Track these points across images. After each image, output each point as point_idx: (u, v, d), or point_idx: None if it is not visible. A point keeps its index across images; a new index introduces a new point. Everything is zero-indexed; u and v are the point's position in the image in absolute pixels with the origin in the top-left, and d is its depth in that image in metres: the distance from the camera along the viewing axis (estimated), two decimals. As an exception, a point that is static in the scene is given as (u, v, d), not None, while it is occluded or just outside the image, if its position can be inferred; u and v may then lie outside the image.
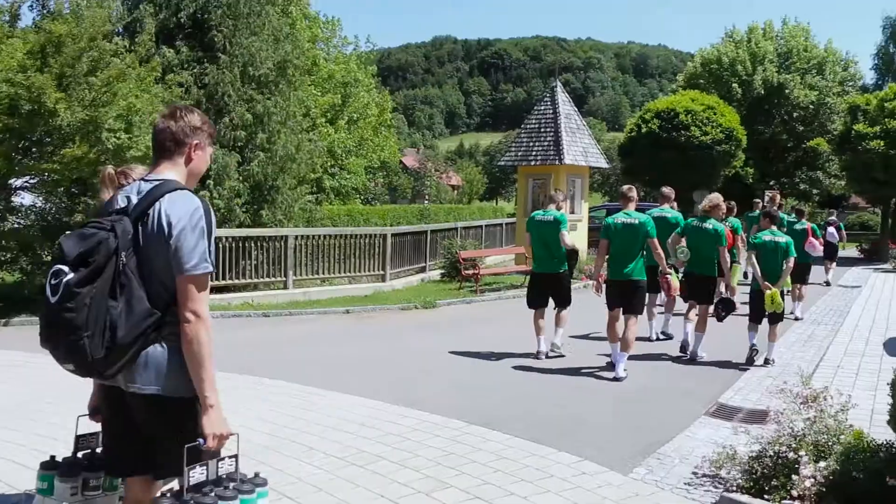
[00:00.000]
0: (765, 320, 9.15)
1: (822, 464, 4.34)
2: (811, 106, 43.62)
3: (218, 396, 2.81)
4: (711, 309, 9.39)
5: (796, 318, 12.42)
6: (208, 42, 14.63)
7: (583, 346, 10.11)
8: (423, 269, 17.45)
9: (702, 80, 45.66)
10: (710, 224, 9.38)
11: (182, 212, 2.78)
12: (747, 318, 9.37)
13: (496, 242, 22.49)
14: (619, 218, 8.58)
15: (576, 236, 19.27)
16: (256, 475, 3.01)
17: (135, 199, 2.85)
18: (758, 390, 7.80)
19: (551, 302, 9.45)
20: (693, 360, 9.33)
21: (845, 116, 28.30)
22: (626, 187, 9.14)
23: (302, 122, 17.65)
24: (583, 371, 8.73)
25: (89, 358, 2.66)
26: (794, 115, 43.94)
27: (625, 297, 8.52)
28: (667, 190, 11.07)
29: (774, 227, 9.45)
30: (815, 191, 42.93)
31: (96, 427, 3.22)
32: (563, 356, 9.38)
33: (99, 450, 3.28)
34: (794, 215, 14.13)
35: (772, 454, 4.61)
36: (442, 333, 11.27)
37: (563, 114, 18.42)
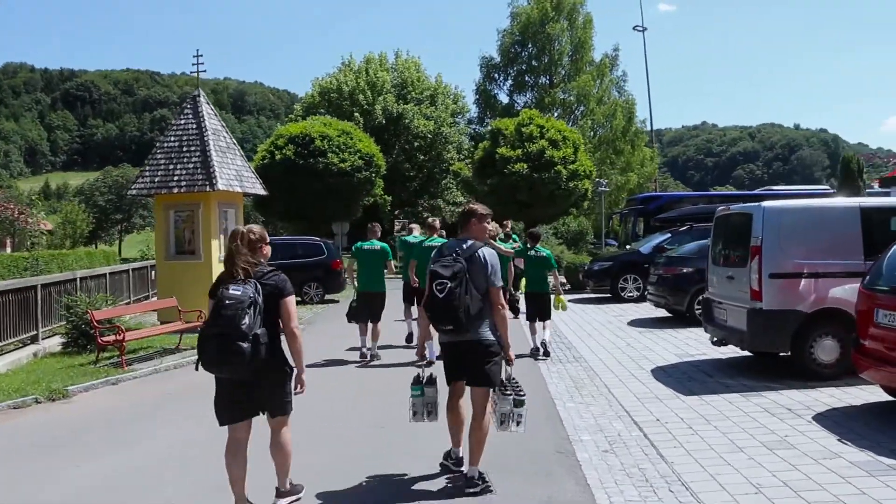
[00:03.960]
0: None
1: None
2: (429, 136, 44.99)
3: None
4: None
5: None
6: None
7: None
8: (34, 340, 12.54)
9: (321, 109, 44.44)
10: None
11: None
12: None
13: (123, 293, 17.95)
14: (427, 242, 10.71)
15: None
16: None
17: None
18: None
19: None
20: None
21: (488, 140, 28.50)
22: (431, 219, 11.96)
23: None
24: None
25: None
26: (415, 144, 44.93)
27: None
28: (433, 220, 11.67)
29: (538, 245, 11.44)
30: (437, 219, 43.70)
31: None
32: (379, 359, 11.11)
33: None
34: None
35: None
36: (101, 456, 7.14)
37: (211, 129, 14.89)
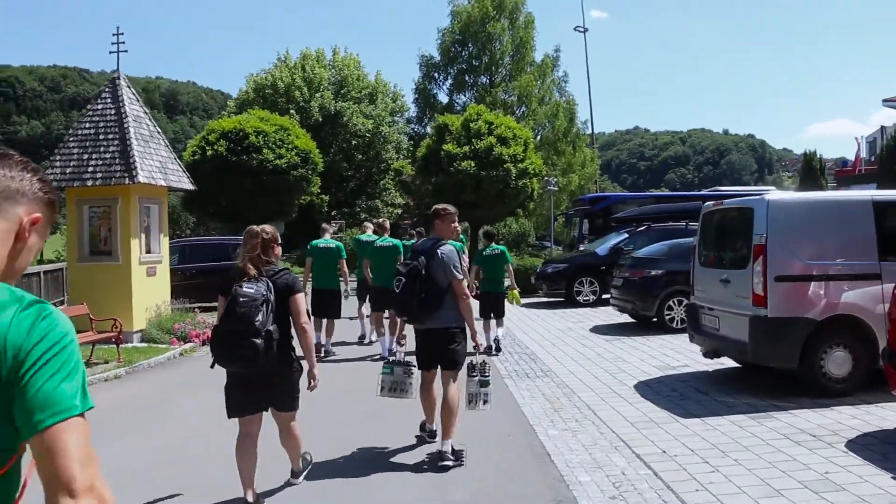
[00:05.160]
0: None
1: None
2: (368, 134, 43.43)
3: None
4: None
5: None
6: None
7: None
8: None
9: (256, 106, 42.48)
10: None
11: None
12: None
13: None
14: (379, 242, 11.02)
15: (159, 281, 14.19)
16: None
17: None
18: None
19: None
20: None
21: (432, 136, 27.15)
22: (382, 219, 12.21)
23: None
24: None
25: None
26: (353, 143, 43.28)
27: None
28: (383, 220, 11.91)
29: (492, 243, 11.68)
30: (375, 221, 42.27)
31: None
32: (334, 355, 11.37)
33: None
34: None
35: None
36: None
37: (132, 115, 13.21)
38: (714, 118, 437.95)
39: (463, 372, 6.25)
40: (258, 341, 4.73)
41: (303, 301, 5.17)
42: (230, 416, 5.15)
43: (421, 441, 6.62)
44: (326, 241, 11.68)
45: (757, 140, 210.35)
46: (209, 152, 27.27)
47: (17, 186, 1.59)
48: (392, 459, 6.24)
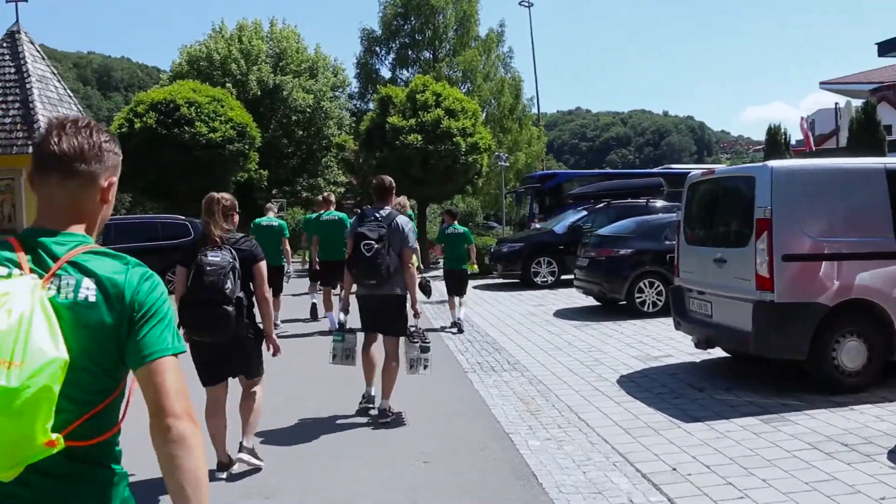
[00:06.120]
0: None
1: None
2: (308, 110, 41.66)
3: None
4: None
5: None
6: None
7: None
8: None
9: (190, 79, 40.36)
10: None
11: None
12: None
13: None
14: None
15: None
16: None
17: None
18: None
19: None
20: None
21: (376, 109, 25.68)
22: (327, 193, 13.01)
23: None
24: None
25: None
26: (293, 118, 41.48)
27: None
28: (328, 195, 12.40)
29: (455, 223, 11.94)
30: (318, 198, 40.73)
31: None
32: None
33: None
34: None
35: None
36: None
37: (36, 75, 11.62)
38: (654, 100, 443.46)
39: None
40: (230, 308, 4.77)
41: (265, 269, 5.21)
42: (204, 384, 5.15)
43: (361, 412, 6.62)
44: (269, 219, 11.73)
45: (696, 122, 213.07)
46: (137, 125, 25.30)
47: (97, 153, 1.80)
48: (338, 422, 6.54)
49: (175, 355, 1.74)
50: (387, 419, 6.27)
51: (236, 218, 5.25)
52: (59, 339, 1.59)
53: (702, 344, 7.76)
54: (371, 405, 6.57)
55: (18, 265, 1.66)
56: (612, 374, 7.97)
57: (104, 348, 1.69)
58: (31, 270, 1.66)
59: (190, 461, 1.65)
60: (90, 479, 1.71)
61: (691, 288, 7.98)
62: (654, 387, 7.36)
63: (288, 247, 11.75)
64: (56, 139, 1.74)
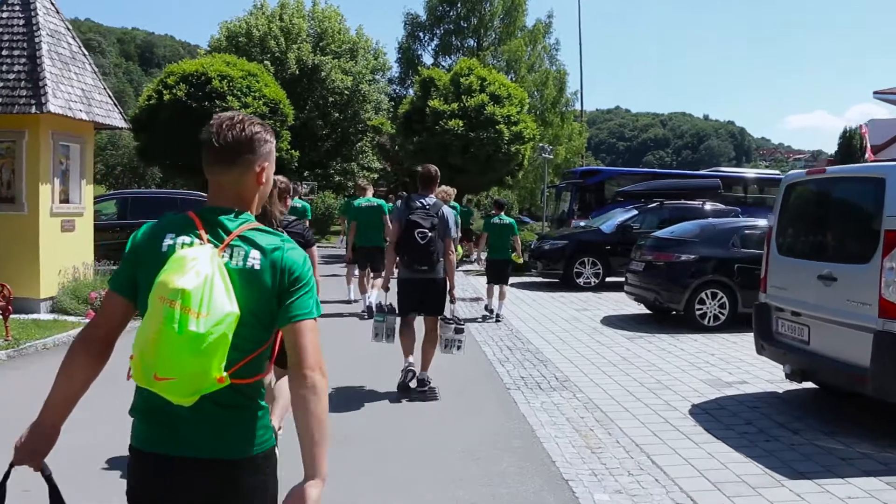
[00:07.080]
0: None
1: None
2: (346, 92, 40.57)
3: None
4: None
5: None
6: None
7: None
8: None
9: (228, 55, 39.46)
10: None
11: None
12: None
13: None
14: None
15: (79, 238, 11.69)
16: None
17: None
18: None
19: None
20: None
21: (417, 91, 24.44)
22: (363, 181, 13.53)
23: None
24: None
25: None
26: (330, 100, 40.39)
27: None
28: (363, 182, 12.71)
29: (502, 213, 11.96)
30: (350, 183, 39.84)
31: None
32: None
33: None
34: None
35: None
36: None
37: (47, 29, 10.56)
38: (695, 103, 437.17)
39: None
40: None
41: (316, 254, 5.24)
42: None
43: (402, 388, 6.92)
44: (294, 200, 10.60)
45: (736, 127, 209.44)
46: (167, 97, 24.38)
47: (250, 144, 2.09)
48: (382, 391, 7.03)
49: (314, 319, 2.06)
50: (424, 388, 6.88)
51: (289, 201, 5.31)
52: (233, 297, 1.94)
53: (795, 376, 6.44)
54: (413, 370, 6.94)
55: (199, 237, 2.01)
56: (681, 403, 6.72)
57: (263, 307, 2.02)
58: (209, 241, 2.00)
59: (318, 406, 1.97)
60: (246, 408, 2.04)
61: (782, 307, 6.68)
62: (735, 423, 6.11)
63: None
64: (216, 136, 2.05)
